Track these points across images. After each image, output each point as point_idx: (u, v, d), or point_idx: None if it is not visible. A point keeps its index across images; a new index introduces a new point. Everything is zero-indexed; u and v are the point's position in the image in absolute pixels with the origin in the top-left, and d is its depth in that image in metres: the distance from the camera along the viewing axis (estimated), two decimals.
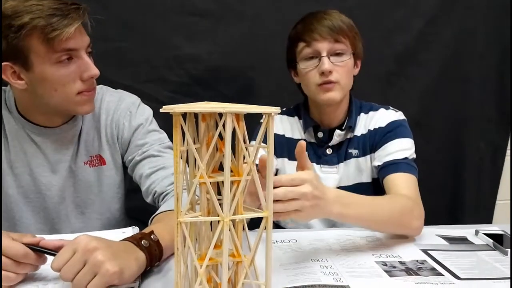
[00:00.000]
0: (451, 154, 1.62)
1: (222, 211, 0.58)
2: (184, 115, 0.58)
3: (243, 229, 0.64)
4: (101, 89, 1.08)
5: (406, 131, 1.12)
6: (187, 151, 0.62)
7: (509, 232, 0.94)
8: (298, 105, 1.22)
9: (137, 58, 1.45)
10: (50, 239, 0.71)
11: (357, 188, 1.15)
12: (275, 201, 0.65)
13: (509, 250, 0.86)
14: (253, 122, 0.63)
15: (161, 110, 0.57)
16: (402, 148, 1.08)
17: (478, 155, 1.63)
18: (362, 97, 1.23)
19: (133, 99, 1.09)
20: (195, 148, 0.59)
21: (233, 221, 0.60)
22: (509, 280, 0.74)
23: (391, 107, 1.17)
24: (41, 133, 1.00)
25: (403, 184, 1.00)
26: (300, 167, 0.73)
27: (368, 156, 1.15)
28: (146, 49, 1.45)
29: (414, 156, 1.09)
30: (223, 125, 0.57)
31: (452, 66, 1.57)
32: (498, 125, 1.64)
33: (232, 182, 0.59)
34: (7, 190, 1.01)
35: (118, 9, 1.41)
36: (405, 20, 1.53)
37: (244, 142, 0.61)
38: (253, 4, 1.47)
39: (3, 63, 0.88)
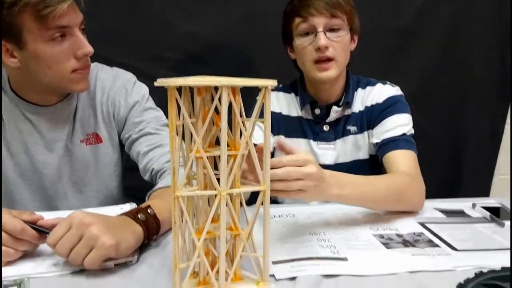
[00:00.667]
0: (450, 129, 1.62)
1: (219, 185, 0.58)
2: (179, 90, 0.58)
3: (241, 203, 0.64)
4: (96, 67, 1.06)
5: (404, 107, 1.11)
6: (183, 126, 0.61)
7: (508, 205, 0.95)
8: (295, 82, 1.21)
9: (133, 35, 1.43)
10: (47, 218, 0.71)
11: (355, 165, 1.15)
12: (277, 180, 0.66)
13: (507, 222, 0.86)
14: (250, 101, 0.62)
15: (155, 83, 0.57)
16: (400, 124, 1.07)
17: (476, 131, 1.62)
18: (361, 72, 1.21)
19: (129, 76, 1.07)
20: (191, 123, 0.58)
21: (230, 195, 0.61)
22: (509, 251, 0.75)
23: (388, 82, 1.16)
24: (36, 112, 0.99)
25: (403, 161, 1.00)
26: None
27: (365, 133, 1.14)
28: (142, 26, 1.43)
29: (413, 131, 1.09)
30: (219, 99, 0.56)
31: (452, 41, 1.55)
32: (497, 100, 1.63)
33: (229, 156, 0.59)
34: (4, 170, 1.00)
35: None
36: None
37: (241, 116, 0.60)
38: None
39: None
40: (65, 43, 0.89)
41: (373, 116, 1.12)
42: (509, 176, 1.67)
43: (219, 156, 0.58)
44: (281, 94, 1.21)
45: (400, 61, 1.55)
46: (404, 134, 1.06)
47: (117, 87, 1.04)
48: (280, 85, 1.23)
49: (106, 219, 0.67)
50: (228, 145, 0.60)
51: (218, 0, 1.44)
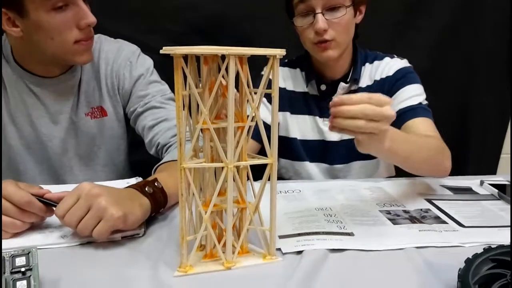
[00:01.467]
0: (458, 106, 1.59)
1: (226, 158, 0.57)
2: (185, 59, 0.56)
3: (247, 177, 0.63)
4: (99, 38, 1.04)
5: (415, 77, 1.09)
6: (189, 96, 0.60)
7: None
8: (300, 57, 1.18)
9: (135, 7, 1.40)
10: (55, 191, 0.70)
11: None
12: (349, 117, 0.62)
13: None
14: (253, 74, 0.60)
15: (161, 51, 0.55)
16: (415, 94, 1.06)
17: (484, 108, 1.60)
18: (369, 46, 1.19)
19: (133, 48, 1.06)
20: (198, 93, 0.57)
21: (237, 167, 0.60)
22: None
23: (395, 56, 1.14)
24: (40, 84, 0.98)
25: (425, 128, 0.99)
26: None
27: None
28: None
29: (427, 101, 1.07)
30: (226, 69, 0.55)
31: (462, 17, 1.51)
32: (507, 77, 1.60)
33: (236, 128, 0.58)
34: (9, 141, 1.00)
35: None
36: None
37: (248, 86, 0.59)
38: None
39: None
40: (67, 13, 0.87)
41: (384, 89, 1.10)
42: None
43: (226, 128, 0.57)
44: (286, 69, 1.19)
45: (409, 36, 1.52)
46: (420, 103, 1.04)
47: (121, 60, 1.03)
48: (286, 60, 1.21)
49: (114, 191, 0.67)
50: (235, 116, 0.59)
51: None
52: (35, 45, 0.90)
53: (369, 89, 1.12)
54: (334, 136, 1.15)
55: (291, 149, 1.18)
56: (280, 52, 0.56)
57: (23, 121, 1.00)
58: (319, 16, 1.00)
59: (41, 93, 0.99)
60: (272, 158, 0.59)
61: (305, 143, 1.17)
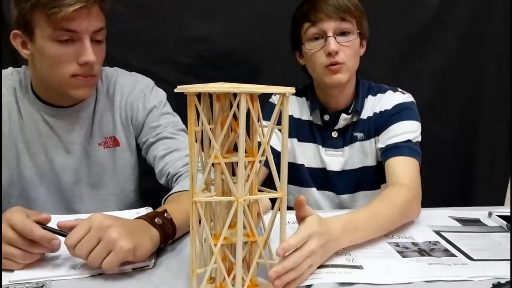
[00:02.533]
0: (464, 135, 1.60)
1: (237, 192, 0.58)
2: (198, 95, 0.58)
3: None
4: (115, 71, 1.08)
5: (412, 114, 1.09)
6: (202, 131, 0.62)
7: None
8: (307, 86, 1.21)
9: (148, 39, 1.44)
10: (65, 220, 0.71)
11: (362, 172, 1.15)
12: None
13: None
14: (262, 101, 0.62)
15: (175, 90, 0.57)
16: (406, 130, 1.06)
17: (491, 136, 1.60)
18: (375, 77, 1.21)
19: (147, 81, 1.09)
20: (210, 129, 0.59)
21: (247, 201, 0.61)
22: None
23: (399, 89, 1.14)
24: (54, 114, 1.01)
25: (403, 169, 0.98)
26: (301, 218, 0.69)
27: (372, 140, 1.13)
28: (156, 30, 1.44)
29: (419, 139, 1.07)
30: (238, 106, 0.57)
31: (467, 46, 1.54)
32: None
33: (246, 163, 0.59)
34: (23, 170, 1.02)
35: None
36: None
37: (258, 120, 0.61)
38: None
39: (14, 31, 0.93)
40: (70, 47, 0.91)
41: (380, 122, 1.11)
42: None
43: (237, 162, 0.58)
44: (293, 97, 1.21)
45: (414, 66, 1.54)
46: (409, 141, 1.04)
47: (135, 92, 1.06)
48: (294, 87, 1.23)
49: (125, 222, 0.68)
50: (246, 152, 0.60)
51: (231, 3, 1.45)
52: (38, 71, 0.95)
53: (368, 121, 1.13)
54: (336, 167, 1.16)
55: (298, 175, 1.19)
56: (290, 90, 0.58)
57: (38, 152, 1.02)
58: (331, 39, 1.03)
59: (55, 123, 1.02)
60: (281, 192, 0.61)
61: (310, 170, 1.19)
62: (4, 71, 1.03)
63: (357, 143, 1.14)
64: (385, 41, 1.46)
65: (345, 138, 1.15)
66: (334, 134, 1.15)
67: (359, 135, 1.14)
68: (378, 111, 1.12)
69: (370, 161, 1.14)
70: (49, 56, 0.91)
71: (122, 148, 1.07)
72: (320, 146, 1.17)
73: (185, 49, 1.46)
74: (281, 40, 1.33)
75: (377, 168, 1.13)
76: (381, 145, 1.08)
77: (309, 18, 1.06)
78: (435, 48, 1.53)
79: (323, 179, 1.18)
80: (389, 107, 1.11)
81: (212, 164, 0.60)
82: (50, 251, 0.70)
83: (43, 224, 0.68)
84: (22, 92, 1.01)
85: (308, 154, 1.18)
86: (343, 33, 1.05)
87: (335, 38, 1.04)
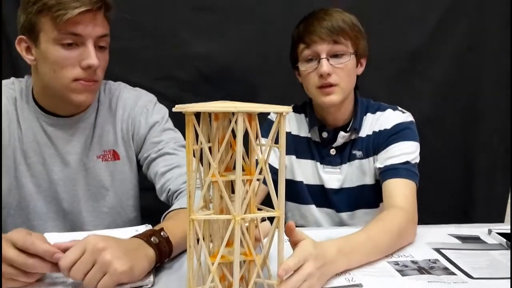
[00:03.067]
0: (463, 151, 1.60)
1: (234, 210, 0.58)
2: (197, 114, 0.59)
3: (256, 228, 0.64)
4: (119, 86, 1.10)
5: (412, 134, 1.09)
6: (201, 149, 0.62)
7: None
8: (306, 103, 1.21)
9: (147, 56, 1.46)
10: (61, 241, 0.69)
11: (361, 190, 1.14)
12: None
13: None
14: (260, 118, 0.62)
15: (173, 109, 0.58)
16: (405, 151, 1.06)
17: (491, 152, 1.60)
18: (374, 94, 1.22)
19: (150, 97, 1.10)
20: (209, 147, 0.59)
21: (245, 220, 0.61)
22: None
23: (399, 108, 1.14)
24: (53, 123, 1.02)
25: (400, 191, 0.98)
26: (294, 243, 0.69)
27: (371, 158, 1.13)
28: (156, 47, 1.46)
29: (418, 160, 1.07)
30: (235, 125, 0.57)
31: (465, 62, 1.55)
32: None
33: (244, 181, 0.60)
34: (21, 179, 1.03)
35: (128, 6, 1.41)
36: (417, 16, 1.51)
37: (257, 140, 0.61)
38: (263, 1, 1.46)
39: (19, 36, 0.94)
40: (73, 51, 0.92)
41: (379, 141, 1.11)
42: None
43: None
44: (291, 114, 1.21)
45: (412, 83, 1.55)
46: (407, 163, 1.04)
47: (138, 107, 1.06)
48: (292, 105, 1.23)
49: (120, 242, 0.68)
50: (244, 170, 0.60)
51: (231, 21, 1.47)
52: (41, 75, 0.96)
53: (367, 139, 1.13)
54: (334, 184, 1.16)
55: (297, 192, 1.19)
56: (286, 109, 0.59)
57: (35, 161, 1.03)
58: (324, 61, 1.04)
59: (53, 133, 1.02)
60: (279, 211, 0.61)
61: (309, 187, 1.19)
62: (5, 81, 1.04)
63: (356, 161, 1.14)
64: (384, 57, 1.47)
65: (343, 156, 1.15)
66: (332, 152, 1.15)
67: (358, 153, 1.14)
68: (377, 130, 1.12)
69: (369, 180, 1.14)
70: (53, 60, 0.92)
71: (122, 162, 1.07)
72: (318, 163, 1.17)
73: (185, 66, 1.48)
74: (280, 57, 1.34)
75: (376, 186, 1.13)
76: (379, 165, 1.07)
77: (304, 39, 1.07)
78: (433, 64, 1.54)
79: (321, 196, 1.18)
80: (388, 126, 1.10)
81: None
82: (50, 270, 0.69)
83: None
84: (22, 102, 1.02)
85: (306, 171, 1.18)
86: (336, 55, 1.05)
87: (328, 60, 1.04)
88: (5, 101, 1.01)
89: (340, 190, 1.16)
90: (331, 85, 1.05)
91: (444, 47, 1.53)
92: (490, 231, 0.95)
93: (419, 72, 1.55)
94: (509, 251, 0.86)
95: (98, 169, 1.06)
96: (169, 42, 1.46)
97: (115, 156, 1.07)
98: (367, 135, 1.13)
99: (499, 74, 1.57)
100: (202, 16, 1.45)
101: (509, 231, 0.94)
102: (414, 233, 0.92)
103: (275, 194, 0.61)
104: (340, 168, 1.15)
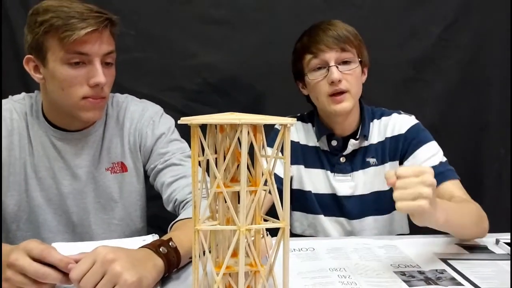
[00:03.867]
0: (470, 161, 1.59)
1: (239, 221, 0.59)
2: (203, 125, 0.59)
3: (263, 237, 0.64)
4: (126, 98, 1.11)
5: (428, 134, 1.12)
6: (207, 160, 0.63)
7: None
8: (312, 112, 1.22)
9: (155, 67, 1.48)
10: (70, 252, 0.71)
11: (374, 197, 1.15)
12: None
13: None
14: (267, 127, 0.63)
15: (179, 122, 0.59)
16: (433, 152, 1.08)
17: (497, 162, 1.59)
18: (379, 102, 1.22)
19: (157, 109, 1.12)
20: (214, 158, 0.60)
21: (251, 230, 0.61)
22: None
23: (402, 112, 1.17)
24: (62, 138, 1.03)
25: (458, 191, 1.02)
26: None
27: (387, 164, 1.14)
28: (163, 58, 1.48)
29: (445, 158, 1.09)
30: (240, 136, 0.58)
31: (470, 71, 1.56)
32: None
33: (250, 192, 0.60)
34: (32, 193, 1.04)
35: (136, 19, 1.44)
36: (422, 25, 1.52)
37: (263, 147, 0.61)
38: (268, 12, 1.49)
39: (27, 55, 0.96)
40: (81, 70, 0.94)
41: (397, 147, 1.12)
42: None
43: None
44: (299, 124, 1.22)
45: (416, 92, 1.55)
46: (441, 163, 1.06)
47: (145, 119, 1.08)
48: (298, 114, 1.24)
49: (129, 253, 0.68)
50: (249, 181, 0.61)
51: (237, 32, 1.49)
52: (49, 94, 0.98)
53: (381, 145, 1.14)
54: (346, 191, 1.16)
55: (305, 202, 1.19)
56: (291, 121, 0.59)
57: (46, 175, 1.04)
58: (334, 68, 1.06)
59: (63, 147, 1.04)
60: (284, 222, 0.61)
61: (318, 196, 1.19)
62: (16, 96, 1.07)
63: (371, 168, 1.15)
64: (388, 67, 1.48)
65: (354, 163, 1.16)
66: (342, 159, 1.16)
67: (372, 160, 1.14)
68: (390, 135, 1.13)
69: (383, 186, 1.14)
70: (61, 79, 0.93)
71: (130, 173, 1.08)
72: (329, 172, 1.17)
73: (192, 76, 1.50)
74: (286, 66, 1.35)
75: (389, 193, 1.12)
76: None
77: (310, 50, 1.08)
78: (437, 74, 1.55)
79: (332, 204, 1.18)
80: (402, 130, 1.12)
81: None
82: (60, 281, 0.69)
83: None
84: (32, 117, 1.04)
85: (315, 180, 1.19)
86: (344, 62, 1.08)
87: (337, 67, 1.06)
88: (16, 117, 1.03)
89: (352, 197, 1.16)
90: (342, 92, 1.06)
91: (448, 56, 1.55)
92: (497, 241, 0.94)
93: (423, 82, 1.55)
94: None
95: (107, 182, 1.07)
96: (176, 53, 1.48)
97: (123, 168, 1.08)
98: (380, 142, 1.14)
99: (504, 83, 1.57)
100: (208, 28, 1.48)
101: None
102: (487, 221, 0.96)
103: (280, 205, 0.61)
104: (351, 176, 1.16)
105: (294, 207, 1.21)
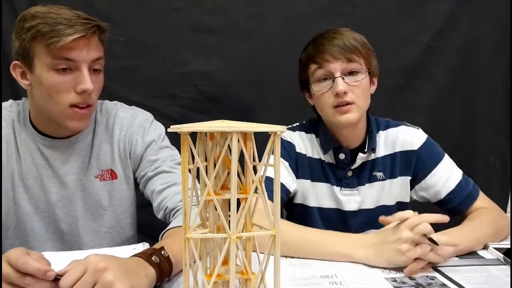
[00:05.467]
0: (460, 167, 1.60)
1: (229, 228, 0.59)
2: (193, 133, 0.60)
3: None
4: (115, 105, 1.11)
5: (439, 148, 1.12)
6: (198, 168, 0.63)
7: None
8: (313, 121, 1.18)
9: (147, 75, 1.48)
10: (59, 261, 0.70)
11: (379, 211, 1.11)
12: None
13: None
14: (263, 136, 0.63)
15: (168, 130, 0.59)
16: (450, 170, 1.09)
17: (487, 168, 1.61)
18: (371, 110, 1.22)
19: (147, 115, 1.11)
20: (205, 166, 0.60)
21: (242, 238, 0.61)
22: None
23: (407, 124, 1.14)
24: (50, 145, 1.03)
25: (483, 205, 1.06)
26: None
27: (395, 180, 1.12)
28: (156, 66, 1.48)
29: (460, 170, 1.10)
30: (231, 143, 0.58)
31: (459, 78, 1.58)
32: (507, 137, 1.62)
33: (240, 199, 0.60)
34: (19, 201, 1.03)
35: (128, 27, 1.44)
36: (411, 33, 1.54)
37: (254, 160, 0.62)
38: (260, 20, 1.50)
39: (14, 61, 0.95)
40: (68, 76, 0.93)
41: (409, 163, 1.10)
42: None
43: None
44: (302, 133, 1.17)
45: (407, 99, 1.57)
46: (461, 180, 1.08)
47: (135, 126, 1.07)
48: (297, 123, 1.20)
49: (121, 262, 0.68)
50: (239, 188, 0.61)
51: (229, 40, 1.50)
52: (37, 100, 0.97)
53: (389, 159, 1.12)
54: (352, 206, 1.13)
55: (308, 217, 1.15)
56: (281, 129, 0.59)
57: (33, 183, 1.03)
58: (339, 80, 1.02)
59: (50, 154, 1.03)
60: (275, 230, 0.61)
61: (321, 211, 1.15)
62: (4, 103, 1.06)
63: (377, 183, 1.12)
64: (379, 74, 1.49)
65: (361, 178, 1.12)
66: (349, 173, 1.12)
67: (379, 174, 1.12)
68: (399, 150, 1.11)
69: (391, 201, 1.13)
70: (48, 85, 0.93)
71: (120, 181, 1.08)
72: (335, 186, 1.13)
73: (183, 84, 1.50)
74: (278, 74, 1.37)
75: (397, 207, 1.12)
76: (437, 196, 1.10)
77: (315, 60, 1.04)
78: (428, 81, 1.56)
79: (336, 219, 1.14)
80: (414, 147, 1.10)
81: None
82: None
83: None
84: (20, 124, 1.03)
85: (320, 194, 1.14)
86: (351, 73, 1.04)
87: (343, 78, 1.02)
88: (3, 124, 1.02)
89: (358, 212, 1.13)
90: (347, 104, 1.03)
91: (437, 63, 1.56)
92: (487, 247, 0.95)
93: (413, 89, 1.57)
94: (506, 266, 0.86)
95: (96, 189, 1.06)
96: (169, 61, 1.48)
97: (113, 175, 1.07)
98: (388, 155, 1.12)
99: (494, 90, 1.59)
100: (201, 36, 1.48)
101: (506, 246, 0.94)
102: (508, 225, 0.99)
103: (270, 213, 0.61)
104: (357, 190, 1.13)
105: (296, 220, 1.19)
